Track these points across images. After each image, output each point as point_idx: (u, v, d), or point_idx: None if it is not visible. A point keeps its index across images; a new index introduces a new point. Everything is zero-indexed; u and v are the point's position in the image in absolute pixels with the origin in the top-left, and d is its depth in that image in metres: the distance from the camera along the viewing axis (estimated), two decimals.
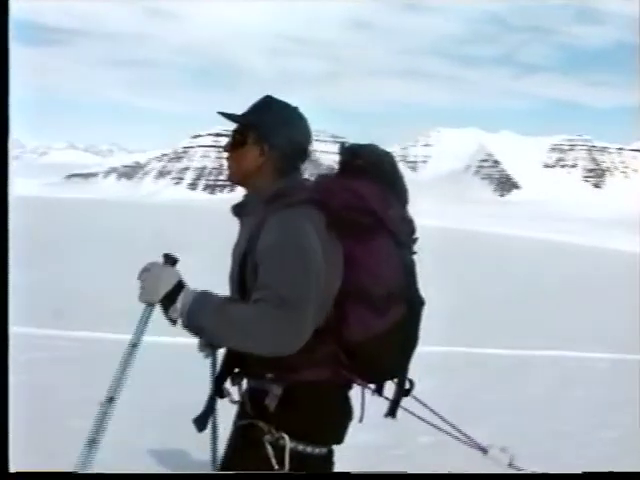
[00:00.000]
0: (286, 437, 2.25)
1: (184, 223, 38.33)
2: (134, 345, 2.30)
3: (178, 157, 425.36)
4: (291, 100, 2.36)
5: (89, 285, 13.71)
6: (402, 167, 2.50)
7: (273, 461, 2.25)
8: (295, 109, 2.38)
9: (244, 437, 2.34)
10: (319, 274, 2.14)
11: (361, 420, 2.44)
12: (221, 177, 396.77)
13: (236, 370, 2.38)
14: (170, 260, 2.28)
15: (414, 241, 2.37)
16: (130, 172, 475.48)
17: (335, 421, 2.36)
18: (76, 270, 15.99)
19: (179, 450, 5.34)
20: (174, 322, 2.20)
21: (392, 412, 2.42)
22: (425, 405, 2.81)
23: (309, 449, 2.28)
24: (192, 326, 2.15)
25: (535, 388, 7.93)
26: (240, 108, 2.35)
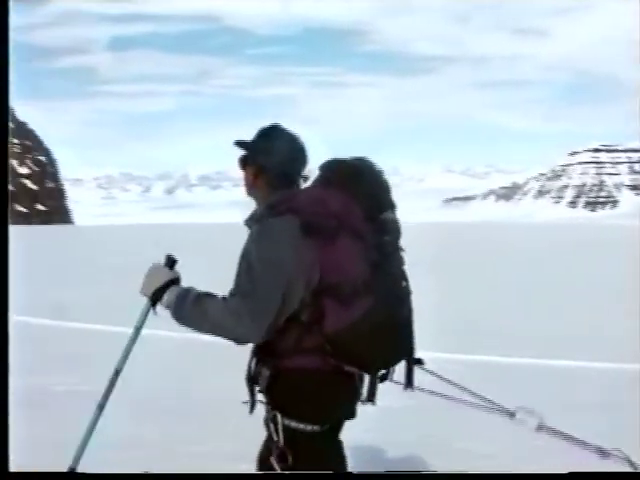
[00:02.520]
0: (278, 414, 2.62)
1: (562, 242, 37.24)
2: (137, 329, 2.90)
3: (557, 175, 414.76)
4: None
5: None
6: None
7: (274, 435, 2.63)
8: (292, 137, 2.81)
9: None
10: (283, 277, 2.49)
11: (371, 399, 2.68)
12: (602, 194, 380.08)
13: (254, 362, 2.73)
14: (169, 261, 2.77)
15: (389, 240, 2.62)
16: (508, 193, 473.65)
17: (322, 403, 2.62)
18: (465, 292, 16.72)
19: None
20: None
21: (409, 383, 2.77)
22: (448, 380, 3.02)
23: (301, 426, 2.60)
24: (175, 317, 2.61)
25: None
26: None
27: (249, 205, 2.87)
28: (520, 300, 14.94)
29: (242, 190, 2.88)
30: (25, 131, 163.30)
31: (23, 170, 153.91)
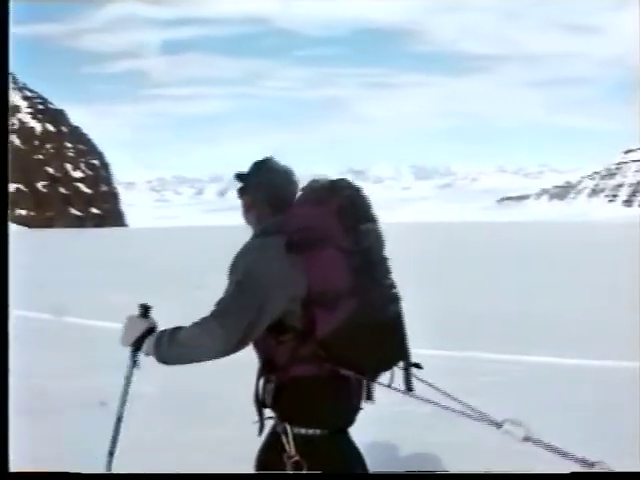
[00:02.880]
0: (287, 425, 2.74)
1: (617, 241, 36.56)
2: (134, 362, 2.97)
3: (611, 174, 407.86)
4: None
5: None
6: None
7: (286, 446, 2.73)
8: (281, 171, 3.02)
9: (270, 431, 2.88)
10: (260, 290, 2.63)
11: (369, 398, 2.81)
12: None
13: (261, 382, 2.84)
14: (144, 310, 2.91)
15: (369, 248, 2.76)
16: (562, 192, 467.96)
17: (325, 407, 2.74)
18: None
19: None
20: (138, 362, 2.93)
21: (407, 386, 2.85)
22: (436, 387, 2.94)
23: (310, 432, 2.72)
24: (159, 360, 2.75)
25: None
26: None
27: None
28: (573, 299, 14.66)
29: None
30: (79, 135, 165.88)
31: (77, 174, 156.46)
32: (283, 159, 3.06)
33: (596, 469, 2.73)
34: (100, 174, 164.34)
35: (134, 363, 2.96)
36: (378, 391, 2.82)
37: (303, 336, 2.68)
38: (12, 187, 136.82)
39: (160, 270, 21.23)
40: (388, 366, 2.83)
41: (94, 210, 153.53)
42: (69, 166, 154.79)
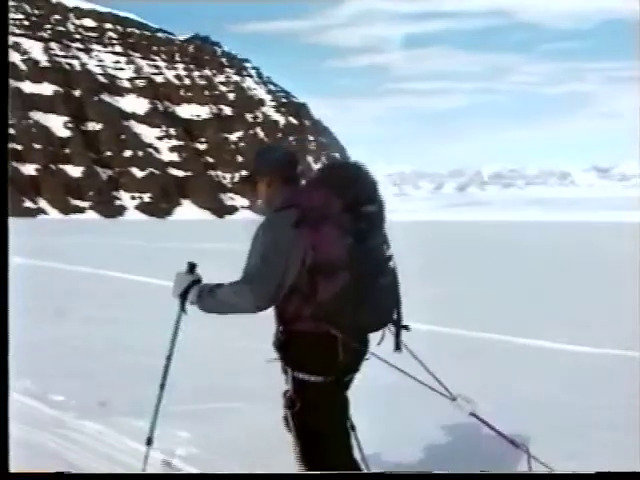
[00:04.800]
0: (289, 368, 3.28)
1: None
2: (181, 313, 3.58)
3: None
4: None
5: None
6: None
7: (286, 384, 3.31)
8: (286, 154, 3.52)
9: None
10: (282, 257, 3.12)
11: (341, 358, 3.20)
12: None
13: (277, 330, 3.35)
14: (190, 267, 3.48)
15: (364, 227, 3.20)
16: None
17: (318, 359, 3.23)
18: None
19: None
20: (185, 311, 3.50)
21: (397, 346, 3.41)
22: (415, 356, 3.49)
23: (306, 377, 3.25)
24: (200, 309, 3.33)
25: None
26: None
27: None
28: None
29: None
30: (320, 128, 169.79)
31: (318, 166, 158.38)
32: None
33: (522, 450, 3.39)
34: None
35: (183, 311, 3.50)
36: None
37: (307, 298, 3.18)
38: None
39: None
40: (373, 328, 3.33)
41: None
42: (310, 158, 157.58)
